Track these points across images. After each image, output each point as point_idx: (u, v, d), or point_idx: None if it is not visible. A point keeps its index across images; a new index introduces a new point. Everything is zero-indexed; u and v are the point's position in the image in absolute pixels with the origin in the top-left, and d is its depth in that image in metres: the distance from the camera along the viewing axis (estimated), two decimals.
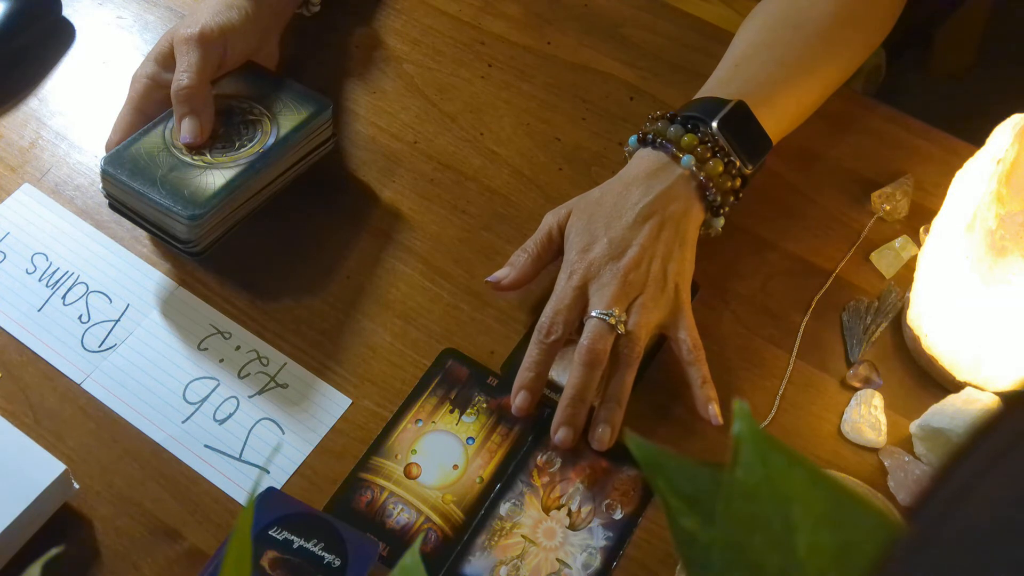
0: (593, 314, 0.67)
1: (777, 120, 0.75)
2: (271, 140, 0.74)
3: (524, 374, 0.68)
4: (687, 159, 0.70)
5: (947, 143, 0.83)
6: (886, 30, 0.82)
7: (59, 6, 0.89)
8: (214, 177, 0.71)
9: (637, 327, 0.67)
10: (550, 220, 0.73)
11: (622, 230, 0.69)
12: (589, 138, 0.83)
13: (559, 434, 0.67)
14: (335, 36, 0.89)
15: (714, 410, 0.68)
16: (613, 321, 0.67)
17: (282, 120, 0.75)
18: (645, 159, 0.72)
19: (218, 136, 0.74)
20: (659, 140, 0.72)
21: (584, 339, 0.67)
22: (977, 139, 0.70)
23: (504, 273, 0.72)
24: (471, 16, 0.91)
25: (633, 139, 0.73)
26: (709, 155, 0.71)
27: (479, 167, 0.82)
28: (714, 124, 0.71)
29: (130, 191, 0.71)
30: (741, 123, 0.72)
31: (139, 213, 0.72)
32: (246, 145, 0.73)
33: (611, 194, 0.71)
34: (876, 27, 0.81)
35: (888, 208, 0.78)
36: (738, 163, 0.72)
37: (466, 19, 0.90)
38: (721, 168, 0.71)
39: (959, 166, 0.70)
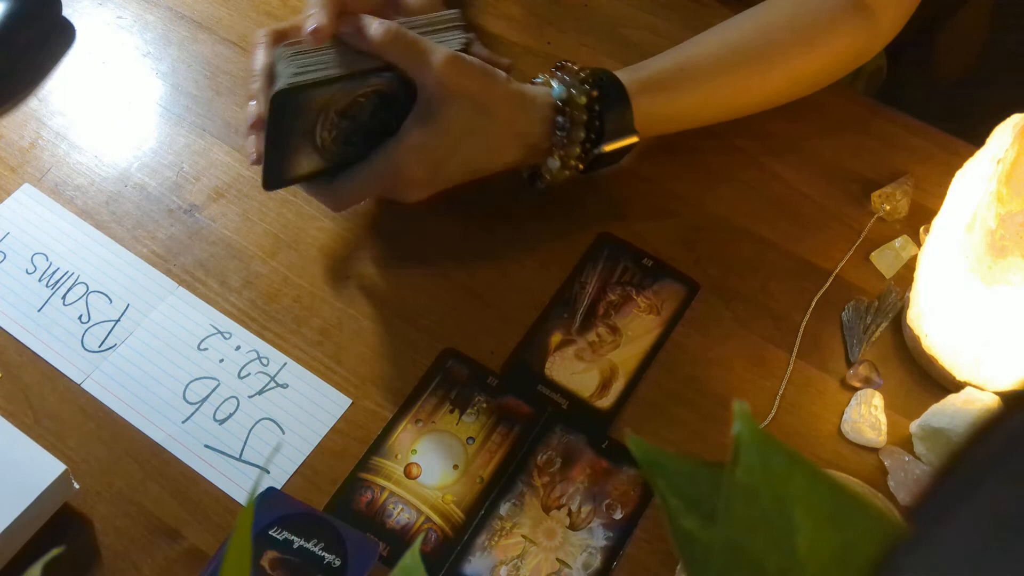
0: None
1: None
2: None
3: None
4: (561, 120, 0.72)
5: (947, 143, 0.83)
6: (846, 60, 0.80)
7: (59, 6, 0.89)
8: (312, 162, 0.70)
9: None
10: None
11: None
12: None
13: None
14: None
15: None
16: None
17: None
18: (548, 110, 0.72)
19: (355, 125, 0.70)
20: (568, 109, 0.72)
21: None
22: (977, 139, 0.70)
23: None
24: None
25: (559, 90, 0.73)
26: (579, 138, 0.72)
27: None
28: (599, 148, 0.73)
29: (267, 123, 0.67)
30: (617, 152, 0.74)
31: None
32: (351, 151, 0.71)
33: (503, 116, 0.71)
34: (829, 53, 0.79)
35: (888, 208, 0.78)
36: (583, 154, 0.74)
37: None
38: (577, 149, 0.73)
39: (959, 166, 0.70)
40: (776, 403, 0.71)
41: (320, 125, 0.69)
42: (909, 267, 0.75)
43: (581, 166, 0.74)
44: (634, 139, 0.74)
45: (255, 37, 0.71)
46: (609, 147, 0.73)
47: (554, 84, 0.73)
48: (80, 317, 0.74)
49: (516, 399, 0.71)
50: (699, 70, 0.76)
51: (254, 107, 0.70)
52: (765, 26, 0.78)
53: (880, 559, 0.23)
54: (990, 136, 0.68)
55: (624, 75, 0.74)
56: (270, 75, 0.68)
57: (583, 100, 0.72)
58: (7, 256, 0.77)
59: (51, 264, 0.77)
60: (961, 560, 0.20)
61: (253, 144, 0.70)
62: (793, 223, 0.79)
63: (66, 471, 0.64)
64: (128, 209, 0.79)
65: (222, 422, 0.70)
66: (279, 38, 0.70)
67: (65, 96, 0.86)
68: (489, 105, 0.70)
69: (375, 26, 0.67)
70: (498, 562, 0.65)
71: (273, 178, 0.70)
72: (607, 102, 0.72)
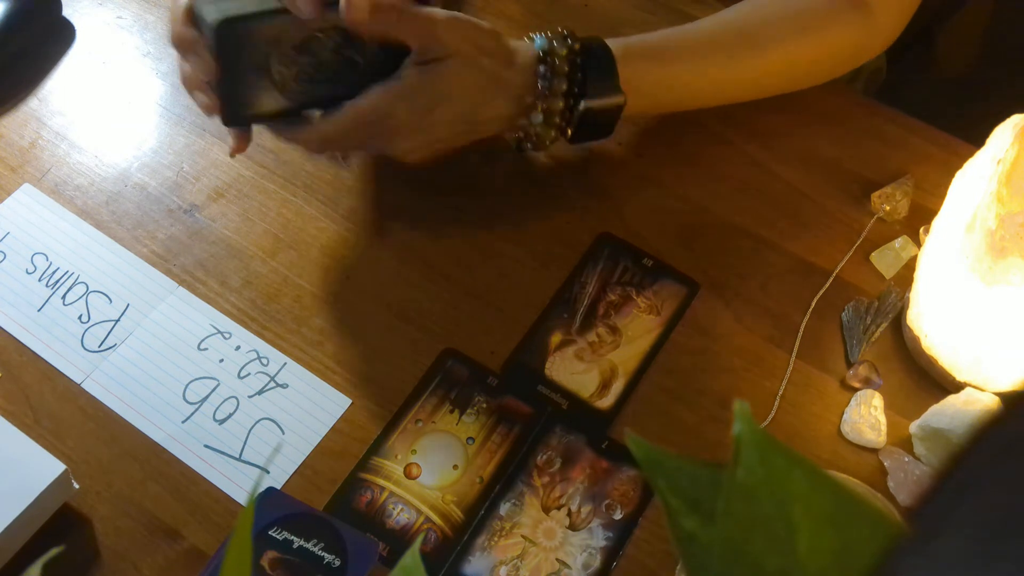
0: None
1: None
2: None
3: None
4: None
5: (947, 143, 0.83)
6: (841, 61, 0.81)
7: (59, 6, 0.89)
8: (274, 99, 0.67)
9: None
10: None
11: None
12: None
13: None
14: None
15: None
16: None
17: None
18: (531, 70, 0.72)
19: (317, 61, 0.68)
20: (549, 74, 0.72)
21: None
22: (977, 139, 0.70)
23: None
24: (471, 16, 0.90)
25: (541, 41, 0.73)
26: (558, 106, 0.72)
27: (479, 165, 0.82)
28: (583, 104, 0.72)
29: (216, 61, 0.65)
30: (603, 115, 0.74)
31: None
32: (316, 89, 0.69)
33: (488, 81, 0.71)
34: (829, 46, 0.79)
35: (888, 208, 0.78)
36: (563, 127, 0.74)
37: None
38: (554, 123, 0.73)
39: (959, 166, 0.70)
40: (776, 403, 0.71)
41: (275, 60, 0.66)
42: (909, 267, 0.75)
43: (570, 131, 0.74)
44: (619, 99, 0.73)
45: None
46: (593, 104, 0.72)
47: (535, 37, 0.73)
48: (80, 317, 0.74)
49: (516, 399, 0.71)
50: (690, 43, 0.77)
51: (191, 62, 0.67)
52: (760, 10, 0.78)
53: (880, 560, 0.23)
54: (990, 136, 0.68)
55: (612, 40, 0.75)
56: (191, 16, 0.66)
57: (564, 52, 0.72)
58: (7, 256, 0.77)
59: (51, 264, 0.77)
60: (961, 562, 0.20)
61: (200, 99, 0.68)
62: (793, 223, 0.79)
63: (66, 471, 0.64)
64: (128, 209, 0.79)
65: (222, 422, 0.70)
66: None
67: (65, 96, 0.86)
68: (478, 56, 0.70)
69: None
70: (498, 562, 0.65)
71: (231, 114, 0.68)
72: (590, 58, 0.73)
